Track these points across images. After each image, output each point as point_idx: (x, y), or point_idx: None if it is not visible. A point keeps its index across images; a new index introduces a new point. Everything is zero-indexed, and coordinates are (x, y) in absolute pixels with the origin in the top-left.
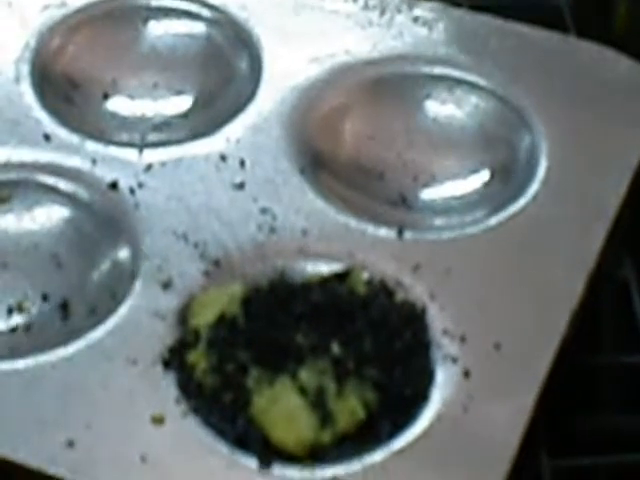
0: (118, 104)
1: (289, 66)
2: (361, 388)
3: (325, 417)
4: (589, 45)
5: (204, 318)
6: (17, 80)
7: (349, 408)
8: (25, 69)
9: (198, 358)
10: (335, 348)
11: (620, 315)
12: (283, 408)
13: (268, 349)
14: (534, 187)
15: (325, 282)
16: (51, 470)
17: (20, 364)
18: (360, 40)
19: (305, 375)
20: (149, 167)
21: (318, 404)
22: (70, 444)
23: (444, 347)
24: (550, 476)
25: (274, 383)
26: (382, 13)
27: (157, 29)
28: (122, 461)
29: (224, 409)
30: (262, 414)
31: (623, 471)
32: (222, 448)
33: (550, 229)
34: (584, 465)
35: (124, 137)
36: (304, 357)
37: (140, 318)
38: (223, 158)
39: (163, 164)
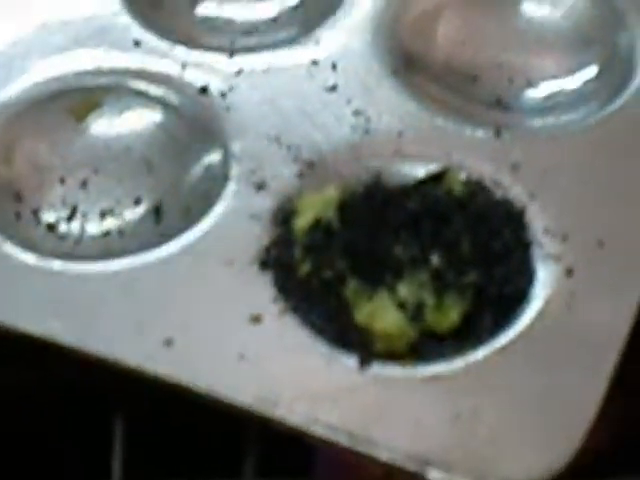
0: (207, 8)
1: None
2: (461, 300)
3: (424, 330)
4: None
5: (299, 222)
6: None
7: (449, 321)
8: None
9: (295, 261)
10: (434, 259)
11: None
12: (382, 324)
13: (366, 260)
14: (632, 86)
15: (422, 185)
16: (150, 368)
17: (115, 265)
18: None
19: (404, 290)
20: (239, 72)
21: (417, 318)
22: (168, 343)
23: (545, 246)
24: None
25: (373, 298)
26: None
27: None
28: (220, 359)
29: (323, 309)
30: (361, 326)
31: None
32: (321, 346)
33: None
34: None
35: (214, 42)
36: (403, 270)
37: (234, 219)
38: (314, 62)
39: (253, 68)
